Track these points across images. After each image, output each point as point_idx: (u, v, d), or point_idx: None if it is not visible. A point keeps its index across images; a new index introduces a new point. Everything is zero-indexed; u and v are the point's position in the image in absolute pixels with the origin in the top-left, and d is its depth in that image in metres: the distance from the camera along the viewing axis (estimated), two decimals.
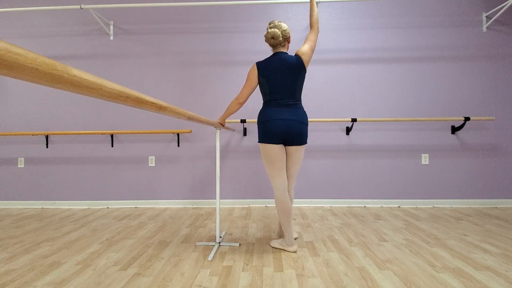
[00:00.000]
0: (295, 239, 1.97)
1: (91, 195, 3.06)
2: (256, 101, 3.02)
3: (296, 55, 1.69)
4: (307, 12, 3.04)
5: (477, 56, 2.95)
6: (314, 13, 1.75)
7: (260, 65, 1.68)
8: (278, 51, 1.70)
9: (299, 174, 3.00)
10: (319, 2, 2.73)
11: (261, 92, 1.77)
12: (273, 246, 1.84)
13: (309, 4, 3.01)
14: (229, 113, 1.80)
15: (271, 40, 1.65)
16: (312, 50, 1.71)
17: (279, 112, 1.63)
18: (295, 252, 1.75)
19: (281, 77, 1.64)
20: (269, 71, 1.65)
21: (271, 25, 1.67)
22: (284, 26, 1.66)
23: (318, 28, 1.76)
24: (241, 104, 1.75)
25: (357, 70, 3.00)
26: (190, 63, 3.06)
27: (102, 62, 3.09)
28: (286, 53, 1.69)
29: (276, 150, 1.66)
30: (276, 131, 1.62)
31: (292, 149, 1.71)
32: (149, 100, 0.74)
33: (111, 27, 3.07)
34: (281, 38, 1.64)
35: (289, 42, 1.74)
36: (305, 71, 1.69)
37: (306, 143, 1.74)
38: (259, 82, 1.71)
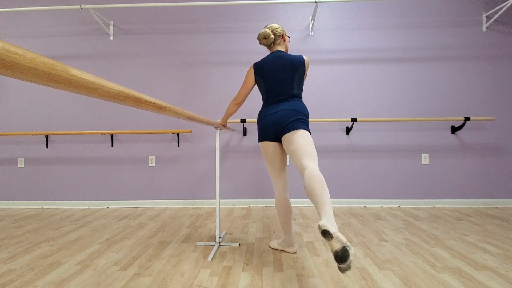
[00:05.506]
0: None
1: (91, 195, 3.06)
2: (256, 101, 3.02)
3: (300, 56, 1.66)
4: (307, 12, 3.04)
5: (477, 56, 2.95)
6: None
7: (257, 65, 1.67)
8: (274, 49, 1.68)
9: (298, 174, 3.00)
10: (319, 2, 2.73)
11: (260, 93, 1.76)
12: (272, 247, 1.83)
13: (309, 4, 3.00)
14: (228, 114, 1.83)
15: (264, 40, 1.66)
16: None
17: (273, 108, 1.60)
18: (295, 253, 1.75)
19: (277, 73, 1.61)
20: (265, 70, 1.63)
21: (264, 28, 1.70)
22: (275, 25, 1.66)
23: None
24: (239, 104, 1.77)
25: (357, 70, 3.00)
26: (190, 63, 3.06)
27: (102, 62, 3.09)
28: (282, 51, 1.66)
29: (272, 148, 1.64)
30: (267, 126, 1.60)
31: (288, 136, 1.53)
32: (149, 100, 0.74)
33: (111, 27, 3.08)
34: (272, 36, 1.63)
35: (285, 41, 1.70)
36: (304, 69, 1.62)
37: (304, 129, 1.53)
38: (257, 82, 1.70)
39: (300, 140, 1.48)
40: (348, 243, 1.01)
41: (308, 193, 1.28)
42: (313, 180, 1.27)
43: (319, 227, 1.07)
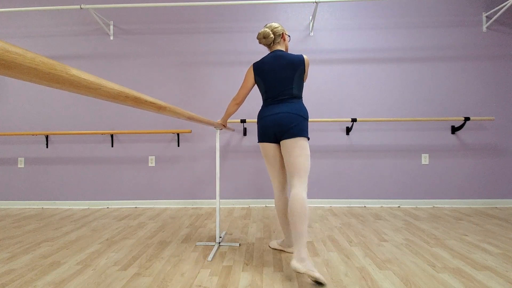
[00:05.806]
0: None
1: (91, 195, 3.06)
2: (256, 101, 3.02)
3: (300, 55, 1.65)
4: (307, 12, 3.04)
5: (477, 56, 2.95)
6: None
7: (256, 65, 1.66)
8: (274, 49, 1.67)
9: None
10: (319, 2, 2.73)
11: (260, 92, 1.75)
12: (272, 247, 1.83)
13: (309, 4, 3.00)
14: (228, 113, 1.82)
15: (263, 40, 1.65)
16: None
17: (272, 108, 1.59)
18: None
19: (277, 72, 1.59)
20: (264, 69, 1.62)
21: (264, 27, 1.69)
22: (275, 24, 1.65)
23: None
24: (239, 104, 1.76)
25: (357, 70, 3.00)
26: (190, 63, 3.06)
27: (102, 62, 3.09)
28: (282, 50, 1.65)
29: (271, 149, 1.64)
30: (267, 127, 1.59)
31: (287, 143, 1.54)
32: (148, 100, 0.74)
33: (111, 27, 3.08)
34: (272, 35, 1.62)
35: (285, 40, 1.69)
36: (304, 68, 1.60)
37: (303, 136, 1.54)
38: (256, 82, 1.69)
39: (297, 155, 1.53)
40: (320, 277, 1.32)
41: (289, 218, 1.49)
42: (294, 210, 1.44)
43: (292, 267, 1.36)
